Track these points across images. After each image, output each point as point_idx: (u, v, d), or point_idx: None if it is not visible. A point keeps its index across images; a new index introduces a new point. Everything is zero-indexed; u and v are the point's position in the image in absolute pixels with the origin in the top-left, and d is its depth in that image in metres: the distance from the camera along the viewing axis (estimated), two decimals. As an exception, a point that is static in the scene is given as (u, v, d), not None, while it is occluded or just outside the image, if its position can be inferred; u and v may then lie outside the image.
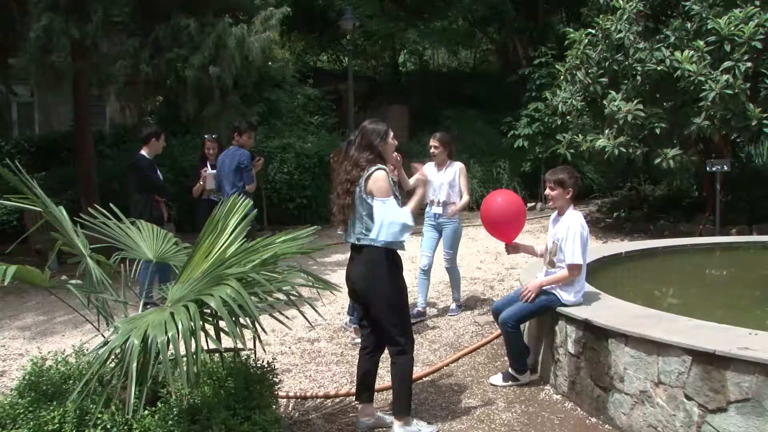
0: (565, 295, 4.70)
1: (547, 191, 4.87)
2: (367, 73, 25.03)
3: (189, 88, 10.46)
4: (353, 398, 4.74)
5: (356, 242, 4.09)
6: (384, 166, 4.07)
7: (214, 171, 7.78)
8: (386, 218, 3.93)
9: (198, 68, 10.17)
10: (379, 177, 3.98)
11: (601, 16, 11.26)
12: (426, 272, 6.86)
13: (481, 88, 21.73)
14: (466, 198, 6.83)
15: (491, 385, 4.95)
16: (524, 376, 4.96)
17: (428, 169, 6.82)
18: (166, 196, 8.23)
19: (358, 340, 5.98)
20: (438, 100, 21.03)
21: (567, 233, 4.70)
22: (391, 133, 4.23)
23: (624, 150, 10.54)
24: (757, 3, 9.89)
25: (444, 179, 6.78)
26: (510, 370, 4.97)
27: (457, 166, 6.84)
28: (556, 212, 4.95)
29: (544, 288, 4.81)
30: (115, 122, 16.87)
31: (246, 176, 7.36)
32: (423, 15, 21.82)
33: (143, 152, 7.63)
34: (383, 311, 4.07)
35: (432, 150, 6.87)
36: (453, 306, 7.10)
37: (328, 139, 16.55)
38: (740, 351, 3.45)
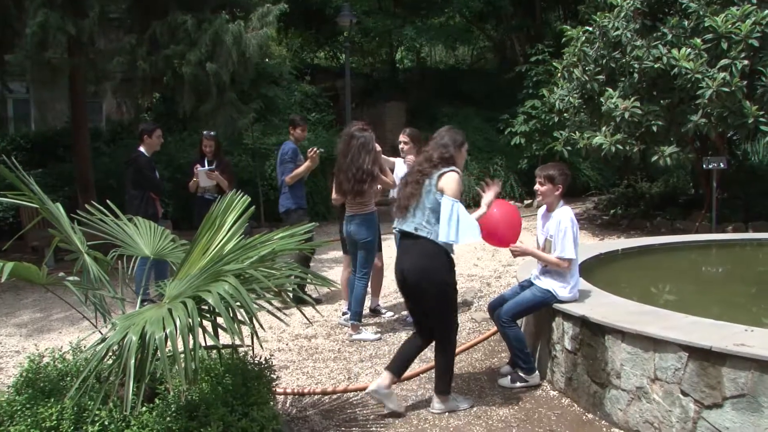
0: (560, 291, 4.70)
1: (537, 186, 4.86)
2: (365, 70, 25.01)
3: (186, 84, 10.44)
4: (351, 394, 4.76)
5: (413, 231, 4.25)
6: (458, 170, 4.32)
7: (205, 168, 7.76)
8: (461, 220, 4.11)
9: (195, 65, 10.15)
10: (453, 178, 4.25)
11: (598, 13, 11.27)
12: None
13: (479, 85, 21.73)
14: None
15: (501, 387, 4.86)
16: (533, 376, 4.87)
17: (397, 164, 6.85)
18: (162, 194, 8.23)
19: (356, 336, 6.02)
20: (435, 97, 21.04)
21: (558, 228, 4.70)
22: (466, 145, 4.56)
23: (621, 147, 10.55)
24: (754, 1, 9.91)
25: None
26: (519, 372, 4.89)
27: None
28: (545, 208, 4.95)
29: (539, 285, 4.81)
30: (111, 119, 16.85)
31: (285, 168, 7.32)
32: (420, 12, 21.82)
33: (142, 149, 7.62)
34: (436, 303, 4.27)
35: (401, 146, 6.73)
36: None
37: (326, 136, 16.53)
38: (736, 347, 3.46)
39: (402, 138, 6.75)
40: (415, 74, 25.05)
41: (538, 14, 22.06)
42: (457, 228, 4.11)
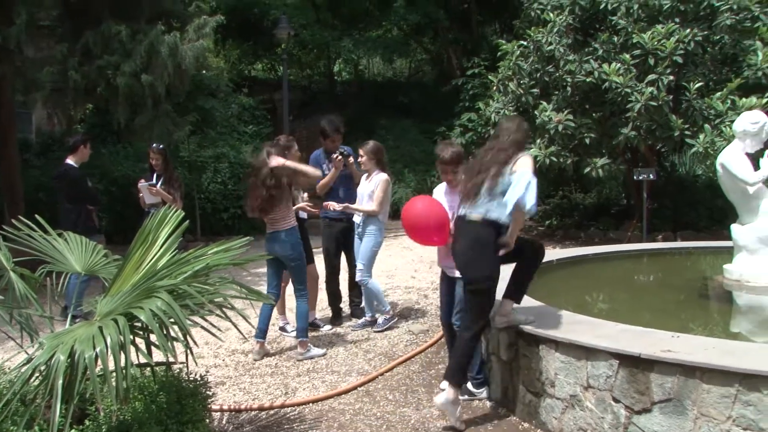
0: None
1: (447, 176, 4.99)
2: (302, 83, 24.98)
3: (120, 96, 10.25)
4: (288, 410, 4.73)
5: (482, 215, 4.26)
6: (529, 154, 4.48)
7: (146, 184, 7.57)
8: (529, 188, 4.12)
9: (130, 76, 9.99)
10: (528, 159, 4.35)
11: (532, 28, 11.50)
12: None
13: (416, 98, 21.93)
14: (370, 207, 6.64)
15: (439, 405, 4.55)
16: (483, 390, 4.89)
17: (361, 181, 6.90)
18: (98, 205, 8.04)
19: (306, 355, 5.91)
20: (373, 109, 21.13)
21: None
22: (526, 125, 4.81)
23: (555, 159, 10.77)
24: (677, 20, 10.28)
25: (366, 190, 6.73)
26: (469, 386, 4.86)
27: (380, 178, 6.69)
28: (445, 187, 5.08)
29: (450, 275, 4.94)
30: (42, 130, 16.42)
31: None
32: (358, 24, 21.94)
33: (70, 161, 7.43)
34: (479, 286, 4.29)
35: (361, 159, 6.79)
36: (381, 319, 6.90)
37: (262, 148, 16.42)
38: (663, 353, 3.57)
39: (360, 151, 6.77)
40: (353, 86, 25.15)
41: (475, 28, 22.38)
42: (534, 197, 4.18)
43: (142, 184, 7.58)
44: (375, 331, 6.74)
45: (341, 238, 7.09)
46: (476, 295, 4.32)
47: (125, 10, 10.59)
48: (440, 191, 5.14)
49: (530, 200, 4.09)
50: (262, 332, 6.02)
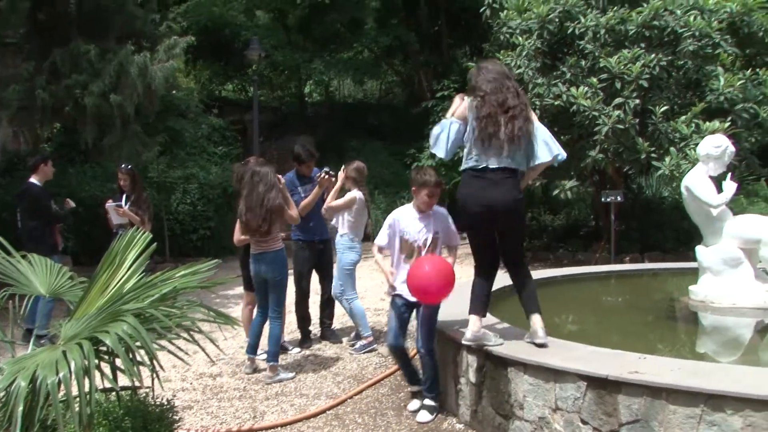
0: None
1: (428, 199, 5.02)
2: (273, 104, 24.98)
3: (88, 115, 10.18)
4: (256, 434, 4.69)
5: (509, 167, 4.42)
6: None
7: (112, 204, 7.50)
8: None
9: (98, 95, 9.92)
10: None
11: (501, 51, 11.64)
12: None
13: (386, 120, 22.05)
14: (339, 202, 6.73)
15: (419, 423, 4.79)
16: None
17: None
18: (62, 222, 7.92)
19: (275, 379, 5.88)
20: (343, 131, 21.20)
21: (447, 222, 5.14)
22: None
23: (524, 182, 10.86)
24: (643, 45, 10.49)
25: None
26: (430, 401, 4.92)
27: (351, 195, 6.81)
28: (418, 213, 5.09)
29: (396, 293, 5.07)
30: (7, 149, 16.18)
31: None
32: (329, 46, 22.03)
33: (33, 180, 7.34)
34: (522, 229, 4.80)
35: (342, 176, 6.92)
36: (358, 344, 6.93)
37: (232, 169, 16.35)
38: (630, 375, 3.60)
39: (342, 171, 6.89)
40: (324, 108, 25.21)
41: (445, 51, 22.60)
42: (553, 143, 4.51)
43: (110, 204, 7.52)
44: (350, 353, 6.76)
45: (315, 259, 7.08)
46: (524, 229, 4.77)
47: (94, 29, 10.54)
48: (411, 216, 5.12)
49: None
50: (251, 347, 6.08)
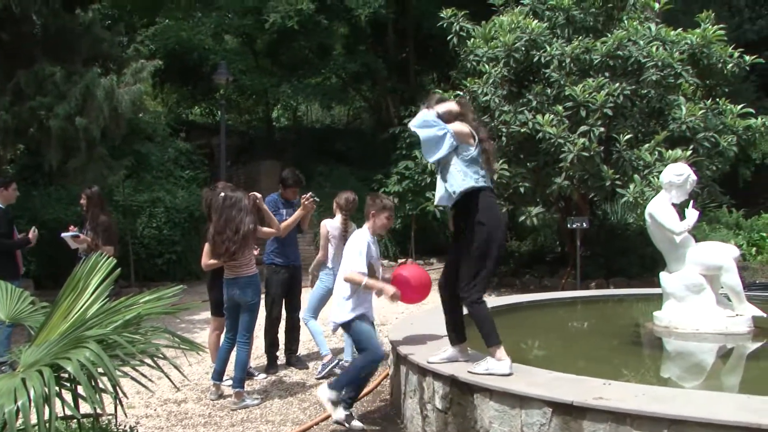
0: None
1: (390, 221, 5.41)
2: (241, 128, 24.96)
3: (53, 138, 10.06)
4: (220, 462, 4.62)
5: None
6: None
7: (68, 234, 7.38)
8: None
9: (63, 118, 9.81)
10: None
11: (468, 79, 11.78)
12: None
13: (354, 145, 22.13)
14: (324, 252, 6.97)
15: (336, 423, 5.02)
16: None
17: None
18: (22, 247, 7.78)
19: (240, 405, 5.81)
20: (311, 156, 21.22)
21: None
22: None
23: (490, 208, 10.94)
24: (607, 74, 10.70)
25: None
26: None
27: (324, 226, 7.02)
28: (371, 237, 5.40)
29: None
30: (-32, 171, 15.94)
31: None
32: (297, 71, 22.10)
33: (-5, 202, 7.24)
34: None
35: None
36: (319, 367, 6.97)
37: (199, 193, 16.25)
38: (595, 401, 3.62)
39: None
40: (291, 133, 25.24)
41: (413, 78, 22.80)
42: None
43: (64, 235, 7.39)
44: (317, 379, 6.70)
45: (288, 284, 7.06)
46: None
47: (60, 51, 10.46)
48: (370, 240, 5.35)
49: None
50: (217, 374, 6.01)
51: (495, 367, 4.30)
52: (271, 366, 7.05)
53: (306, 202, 6.63)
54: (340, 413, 4.96)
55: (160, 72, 15.19)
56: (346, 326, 5.32)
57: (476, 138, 4.52)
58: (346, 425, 4.94)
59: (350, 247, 5.31)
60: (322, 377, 6.67)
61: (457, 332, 4.83)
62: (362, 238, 5.30)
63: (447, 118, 4.52)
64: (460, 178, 4.45)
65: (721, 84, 12.07)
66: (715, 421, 3.29)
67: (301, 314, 7.09)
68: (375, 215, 5.31)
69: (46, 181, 14.65)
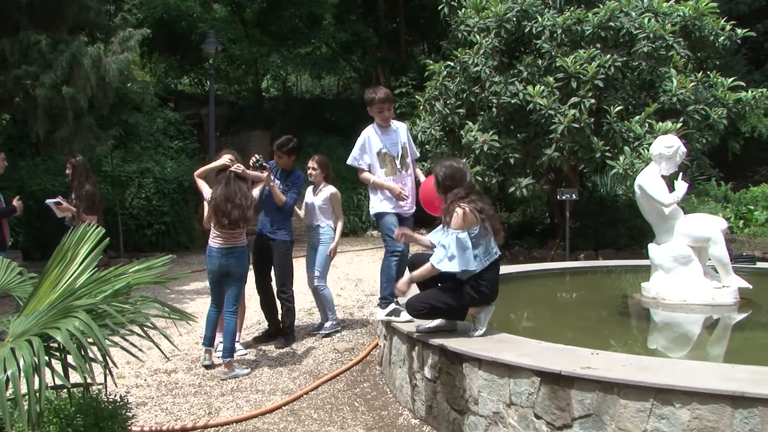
0: None
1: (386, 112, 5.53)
2: (230, 98, 24.76)
3: (39, 108, 9.95)
4: (211, 430, 4.65)
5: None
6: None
7: (52, 201, 7.38)
8: None
9: (50, 87, 9.71)
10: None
11: (459, 49, 11.69)
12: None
13: (344, 115, 21.99)
14: (339, 224, 7.26)
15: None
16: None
17: (307, 193, 7.22)
18: (8, 216, 7.75)
19: (230, 375, 5.83)
20: (300, 126, 21.08)
21: (408, 134, 5.77)
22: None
23: (480, 179, 10.94)
24: (599, 46, 10.65)
25: (316, 201, 7.07)
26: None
27: (328, 191, 7.08)
28: (380, 129, 5.60)
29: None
30: (-47, 141, 15.78)
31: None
32: (287, 41, 21.90)
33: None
34: None
35: (310, 171, 7.12)
36: (327, 324, 7.21)
37: (188, 164, 16.17)
38: (583, 370, 3.66)
39: (311, 164, 7.13)
40: (281, 103, 25.06)
41: (403, 48, 22.64)
42: None
43: (48, 201, 7.41)
44: (322, 335, 7.03)
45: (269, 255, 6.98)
46: None
47: (46, 19, 10.31)
48: (378, 132, 5.58)
49: None
50: (208, 339, 6.05)
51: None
52: (289, 338, 6.89)
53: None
54: (398, 312, 5.19)
55: (147, 41, 15.03)
56: (376, 217, 5.58)
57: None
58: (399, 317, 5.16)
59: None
60: (327, 334, 7.09)
61: None
62: (363, 133, 5.57)
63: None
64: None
65: (713, 57, 12.03)
66: (701, 389, 3.33)
67: (315, 282, 7.12)
68: (371, 110, 5.50)
69: (33, 152, 14.54)
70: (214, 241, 5.92)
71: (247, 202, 5.86)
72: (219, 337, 6.28)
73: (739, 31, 11.45)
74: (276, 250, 6.74)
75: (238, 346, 6.64)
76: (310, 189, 7.24)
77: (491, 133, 10.74)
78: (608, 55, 10.36)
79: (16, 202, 7.38)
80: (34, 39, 9.77)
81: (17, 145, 14.46)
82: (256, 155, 6.53)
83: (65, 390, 3.40)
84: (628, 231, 12.93)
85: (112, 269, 3.48)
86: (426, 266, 4.56)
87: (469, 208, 4.42)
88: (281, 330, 6.94)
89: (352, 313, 8.37)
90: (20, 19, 10.07)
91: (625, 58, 10.57)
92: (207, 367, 6.03)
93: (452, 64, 11.74)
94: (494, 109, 11.01)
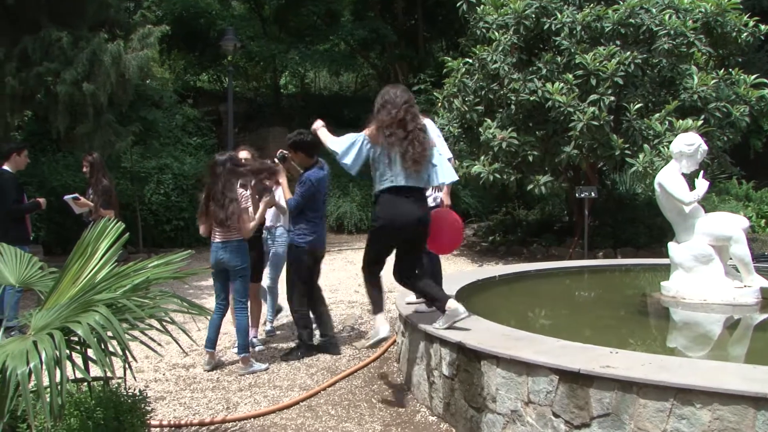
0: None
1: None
2: (248, 95, 24.82)
3: (60, 104, 10.02)
4: (229, 425, 4.67)
5: (425, 186, 4.97)
6: None
7: (69, 197, 7.46)
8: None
9: (70, 84, 9.77)
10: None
11: (478, 46, 11.67)
12: None
13: (362, 112, 21.94)
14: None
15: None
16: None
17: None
18: (31, 212, 7.83)
19: (248, 371, 5.84)
20: (318, 123, 21.09)
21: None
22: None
23: (499, 176, 10.92)
24: (618, 43, 10.58)
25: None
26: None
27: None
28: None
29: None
30: (-25, 137, 15.93)
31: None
32: (305, 38, 21.92)
33: (6, 167, 7.25)
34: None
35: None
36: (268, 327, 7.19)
37: (207, 160, 16.23)
38: (602, 369, 3.63)
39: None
40: (299, 100, 25.09)
41: (422, 45, 22.60)
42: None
43: (67, 197, 7.49)
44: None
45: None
46: None
47: (66, 16, 10.37)
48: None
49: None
50: (211, 342, 5.99)
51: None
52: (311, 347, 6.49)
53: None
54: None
55: (167, 38, 15.10)
56: None
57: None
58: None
59: None
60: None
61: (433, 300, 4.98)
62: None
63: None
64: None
65: (735, 53, 11.93)
66: (721, 390, 3.30)
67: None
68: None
69: (53, 148, 14.66)
70: (213, 235, 5.92)
71: (227, 201, 5.70)
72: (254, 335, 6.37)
73: (762, 27, 11.34)
74: (287, 255, 6.51)
75: (255, 341, 6.67)
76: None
77: (510, 130, 10.71)
78: (628, 52, 10.31)
79: (41, 199, 7.50)
80: (55, 36, 9.84)
81: (38, 142, 14.59)
82: (282, 150, 6.45)
83: (86, 383, 3.43)
84: (647, 229, 12.84)
85: (131, 264, 3.50)
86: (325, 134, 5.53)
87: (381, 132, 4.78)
88: (298, 343, 6.46)
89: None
90: (40, 17, 10.14)
91: (645, 55, 10.52)
92: (208, 371, 5.92)
93: (471, 61, 11.72)
94: (513, 107, 10.99)
